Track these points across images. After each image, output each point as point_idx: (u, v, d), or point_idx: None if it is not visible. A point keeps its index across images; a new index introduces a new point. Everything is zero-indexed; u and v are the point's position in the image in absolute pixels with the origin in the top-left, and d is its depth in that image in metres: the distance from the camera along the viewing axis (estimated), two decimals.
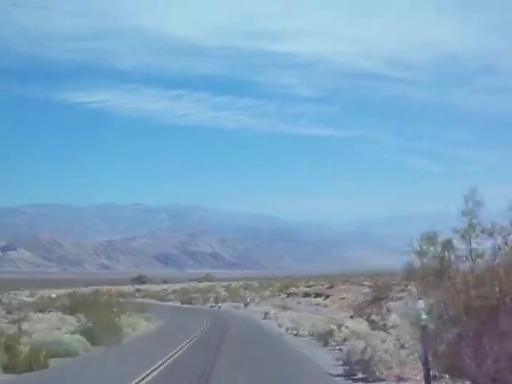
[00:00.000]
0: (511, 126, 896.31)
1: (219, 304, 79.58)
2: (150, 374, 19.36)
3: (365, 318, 29.51)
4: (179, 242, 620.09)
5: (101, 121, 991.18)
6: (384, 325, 26.30)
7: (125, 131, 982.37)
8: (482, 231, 12.71)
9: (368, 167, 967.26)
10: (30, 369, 20.75)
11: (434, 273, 13.58)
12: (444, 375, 13.90)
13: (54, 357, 23.36)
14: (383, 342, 18.31)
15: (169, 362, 22.53)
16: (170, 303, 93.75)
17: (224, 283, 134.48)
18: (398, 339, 18.07)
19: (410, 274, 14.61)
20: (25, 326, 32.29)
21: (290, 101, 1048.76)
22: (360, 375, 17.60)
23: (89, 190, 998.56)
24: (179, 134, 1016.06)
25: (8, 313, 49.63)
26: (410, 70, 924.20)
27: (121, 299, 72.50)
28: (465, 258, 13.01)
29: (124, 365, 22.91)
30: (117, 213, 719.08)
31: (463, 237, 12.98)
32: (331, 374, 18.62)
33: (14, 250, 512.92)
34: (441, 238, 13.76)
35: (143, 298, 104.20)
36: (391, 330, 24.98)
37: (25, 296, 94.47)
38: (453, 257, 13.35)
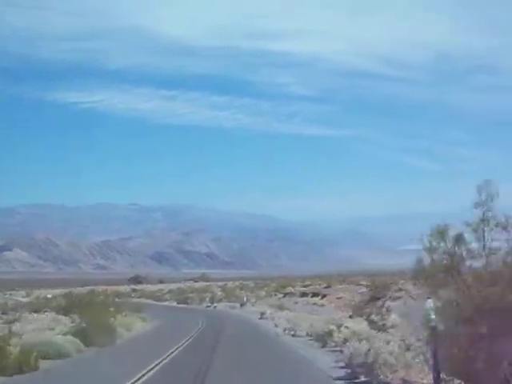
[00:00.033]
0: (509, 124, 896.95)
1: (215, 304, 79.15)
2: (144, 374, 18.76)
3: (364, 317, 28.77)
4: (174, 241, 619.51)
5: (95, 120, 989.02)
6: (383, 325, 25.61)
7: (119, 131, 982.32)
8: (497, 225, 11.97)
9: (364, 166, 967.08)
10: (21, 371, 20.04)
11: (444, 270, 12.85)
12: (454, 379, 13.12)
13: (45, 358, 22.68)
14: (387, 343, 17.55)
15: (163, 363, 21.85)
16: (166, 303, 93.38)
17: (220, 283, 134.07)
18: (403, 340, 17.21)
19: (419, 272, 13.83)
20: (16, 326, 31.61)
21: (285, 100, 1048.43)
22: (363, 378, 16.91)
23: (83, 190, 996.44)
24: (174, 134, 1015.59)
25: (3, 313, 49.07)
26: (407, 69, 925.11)
27: (117, 299, 72.11)
28: (477, 254, 12.29)
29: (117, 366, 22.24)
30: (111, 212, 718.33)
31: (475, 231, 12.23)
32: (332, 377, 17.88)
33: (10, 250, 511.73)
34: (452, 232, 12.96)
35: (139, 298, 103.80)
36: (391, 330, 24.43)
37: (20, 296, 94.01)
38: (465, 252, 12.59)
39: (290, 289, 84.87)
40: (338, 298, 59.04)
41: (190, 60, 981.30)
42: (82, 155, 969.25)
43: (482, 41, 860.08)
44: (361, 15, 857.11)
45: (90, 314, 32.13)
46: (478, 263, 12.44)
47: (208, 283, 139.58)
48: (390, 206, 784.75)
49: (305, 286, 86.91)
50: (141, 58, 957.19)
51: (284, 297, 76.25)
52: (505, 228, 11.91)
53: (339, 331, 25.88)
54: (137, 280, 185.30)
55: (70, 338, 26.19)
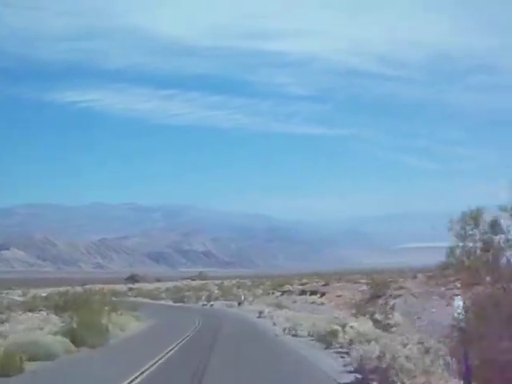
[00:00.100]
0: (505, 123, 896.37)
1: (212, 302, 78.23)
2: (137, 377, 17.82)
3: (368, 316, 27.29)
4: (173, 241, 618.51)
5: (93, 121, 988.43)
6: (388, 324, 24.47)
7: (117, 131, 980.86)
8: None
9: (362, 166, 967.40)
10: (4, 373, 18.88)
11: (479, 262, 11.46)
12: None
13: (32, 360, 21.63)
14: (404, 345, 15.77)
15: (157, 365, 20.81)
16: (163, 302, 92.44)
17: (217, 281, 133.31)
18: (422, 342, 15.60)
19: (448, 265, 12.44)
20: (5, 327, 30.61)
21: (284, 99, 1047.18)
22: None
23: (80, 189, 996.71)
24: (171, 134, 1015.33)
25: None
26: (406, 68, 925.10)
27: (113, 298, 71.50)
28: None
29: (108, 368, 21.15)
30: (109, 212, 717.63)
31: None
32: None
33: (8, 249, 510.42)
34: (486, 218, 11.53)
35: (136, 296, 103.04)
36: (394, 329, 23.56)
37: (17, 295, 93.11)
38: (502, 241, 11.21)
39: (287, 287, 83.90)
40: (338, 296, 58.10)
41: (188, 60, 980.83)
42: (80, 155, 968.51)
43: (482, 41, 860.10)
44: (360, 15, 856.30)
45: (83, 314, 31.11)
46: None
47: (205, 282, 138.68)
48: (388, 205, 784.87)
49: (302, 284, 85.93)
50: (139, 58, 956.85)
51: (282, 295, 75.32)
52: None
53: (344, 331, 24.48)
54: (134, 279, 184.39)
55: (59, 338, 25.16)
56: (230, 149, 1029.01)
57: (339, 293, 61.82)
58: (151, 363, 20.66)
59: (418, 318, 29.88)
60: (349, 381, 16.50)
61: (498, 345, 10.44)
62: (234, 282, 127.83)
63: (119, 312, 44.32)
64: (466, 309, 11.14)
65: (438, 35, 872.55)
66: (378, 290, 46.94)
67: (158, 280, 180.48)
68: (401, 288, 48.25)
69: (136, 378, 17.65)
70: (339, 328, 25.17)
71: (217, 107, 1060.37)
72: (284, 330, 33.82)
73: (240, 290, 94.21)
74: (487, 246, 11.41)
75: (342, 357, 20.99)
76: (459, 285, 37.88)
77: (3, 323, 33.90)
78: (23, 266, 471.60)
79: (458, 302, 11.42)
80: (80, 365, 22.53)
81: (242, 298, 74.17)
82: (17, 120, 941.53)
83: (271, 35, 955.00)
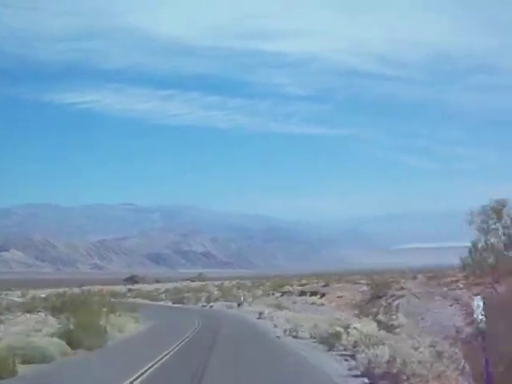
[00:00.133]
0: (505, 123, 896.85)
1: (211, 303, 77.75)
2: (132, 382, 17.20)
3: (371, 317, 26.50)
4: (172, 241, 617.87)
5: (91, 121, 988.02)
6: (392, 325, 23.81)
7: (116, 131, 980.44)
8: None
9: (362, 166, 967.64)
10: None
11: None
12: None
13: (26, 363, 21.07)
14: (415, 349, 14.80)
15: (154, 368, 20.17)
16: (162, 303, 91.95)
17: (216, 282, 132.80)
18: (433, 345, 14.65)
19: (469, 264, 11.67)
20: (0, 328, 30.02)
21: (282, 100, 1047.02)
22: None
23: (79, 190, 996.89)
24: (171, 134, 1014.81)
25: None
26: (405, 68, 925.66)
27: (112, 299, 71.17)
28: None
29: (104, 370, 20.49)
30: (107, 213, 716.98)
31: None
32: None
33: (7, 250, 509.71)
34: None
35: (135, 297, 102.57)
36: (398, 330, 22.98)
37: (16, 296, 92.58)
38: None
39: (287, 288, 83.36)
40: (338, 297, 57.58)
41: (187, 60, 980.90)
42: (79, 156, 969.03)
43: (482, 41, 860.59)
44: (359, 15, 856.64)
45: (80, 315, 30.57)
46: None
47: (204, 283, 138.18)
48: (388, 205, 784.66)
49: (301, 285, 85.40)
50: (138, 59, 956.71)
51: (282, 296, 74.80)
52: None
53: (347, 333, 23.59)
54: (133, 280, 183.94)
55: (55, 340, 24.60)
56: (228, 149, 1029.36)
57: (339, 293, 61.31)
58: (149, 365, 20.09)
59: (422, 318, 29.35)
60: None
61: None
62: (233, 282, 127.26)
63: (118, 313, 43.80)
64: (486, 310, 10.34)
65: (437, 35, 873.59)
66: (378, 291, 46.39)
67: (158, 281, 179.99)
68: (402, 289, 47.72)
69: (132, 382, 17.08)
70: (342, 329, 24.38)
71: (216, 107, 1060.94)
72: (285, 331, 33.06)
73: (240, 290, 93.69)
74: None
75: (347, 360, 20.14)
76: (461, 285, 37.18)
77: None
78: (22, 267, 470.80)
79: (478, 303, 10.58)
80: (75, 368, 21.87)
81: (242, 298, 73.68)
82: (16, 120, 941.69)
83: (270, 35, 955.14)
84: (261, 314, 49.55)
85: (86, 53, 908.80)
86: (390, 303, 32.84)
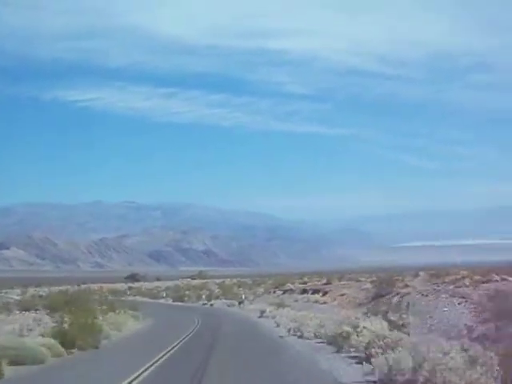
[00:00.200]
0: (504, 122, 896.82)
1: (212, 302, 76.86)
2: None
3: (381, 316, 24.93)
4: (172, 239, 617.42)
5: (92, 119, 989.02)
6: (402, 324, 22.50)
7: (117, 129, 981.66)
8: None
9: (362, 165, 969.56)
10: None
11: None
12: None
13: (16, 364, 19.98)
14: (445, 353, 12.84)
15: (151, 369, 19.07)
16: (162, 301, 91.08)
17: (217, 280, 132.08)
18: (465, 349, 12.99)
19: None
20: None
21: (283, 98, 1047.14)
22: None
23: (80, 188, 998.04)
24: (172, 132, 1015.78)
25: None
26: (406, 67, 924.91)
27: (112, 297, 70.47)
28: None
29: (96, 373, 19.31)
30: (108, 211, 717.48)
31: None
32: None
33: (8, 248, 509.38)
34: None
35: (135, 295, 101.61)
36: (405, 330, 21.93)
37: (15, 295, 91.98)
38: None
39: (289, 286, 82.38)
40: (341, 295, 56.56)
41: (188, 59, 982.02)
42: (80, 153, 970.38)
43: (482, 40, 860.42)
44: (360, 14, 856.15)
45: (75, 314, 29.48)
46: None
47: (205, 281, 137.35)
48: (387, 204, 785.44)
49: (303, 283, 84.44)
50: (139, 57, 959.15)
51: (283, 294, 73.85)
52: None
53: (357, 333, 21.78)
54: (134, 278, 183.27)
55: (48, 340, 23.56)
56: (230, 147, 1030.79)
57: (342, 291, 60.30)
58: (145, 367, 19.08)
59: (430, 317, 28.32)
60: None
61: None
62: (234, 281, 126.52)
63: (117, 311, 42.92)
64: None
65: (437, 35, 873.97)
66: (382, 289, 45.44)
67: (158, 279, 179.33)
68: (406, 286, 46.72)
69: None
70: (350, 329, 22.71)
71: (217, 105, 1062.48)
72: (288, 330, 31.81)
73: (240, 289, 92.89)
74: None
75: (360, 363, 18.22)
76: (467, 282, 36.06)
77: None
78: (23, 265, 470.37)
79: None
80: (66, 370, 20.62)
81: (243, 296, 72.81)
82: (16, 119, 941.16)
83: (271, 34, 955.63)
84: (262, 312, 48.71)
85: (87, 52, 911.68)
86: (399, 301, 31.67)
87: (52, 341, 23.55)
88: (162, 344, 26.95)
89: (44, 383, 18.32)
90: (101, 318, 34.06)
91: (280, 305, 53.82)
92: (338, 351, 22.41)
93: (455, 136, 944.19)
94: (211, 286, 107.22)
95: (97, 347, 26.72)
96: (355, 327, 22.53)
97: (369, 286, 52.21)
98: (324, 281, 78.49)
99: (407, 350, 14.27)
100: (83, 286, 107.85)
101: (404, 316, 24.36)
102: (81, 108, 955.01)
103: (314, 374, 17.98)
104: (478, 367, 12.01)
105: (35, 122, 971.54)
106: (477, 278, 38.49)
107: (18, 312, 50.45)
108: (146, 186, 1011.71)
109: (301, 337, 29.25)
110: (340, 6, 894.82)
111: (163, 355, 22.98)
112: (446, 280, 42.01)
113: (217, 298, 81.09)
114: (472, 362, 12.43)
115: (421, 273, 55.16)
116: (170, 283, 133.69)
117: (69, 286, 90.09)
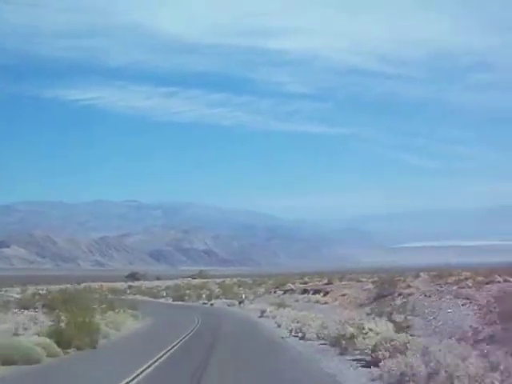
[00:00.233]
0: (505, 121, 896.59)
1: (212, 301, 76.42)
2: None
3: (385, 317, 24.10)
4: (173, 238, 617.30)
5: (93, 118, 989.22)
6: (407, 326, 21.82)
7: (118, 128, 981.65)
8: None
9: (363, 164, 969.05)
10: None
11: None
12: None
13: (8, 364, 19.42)
14: (463, 359, 11.89)
15: (148, 370, 18.47)
16: (162, 300, 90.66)
17: (217, 280, 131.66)
18: (485, 355, 12.16)
19: None
20: None
21: (284, 98, 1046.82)
22: None
23: (81, 187, 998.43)
24: (173, 131, 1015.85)
25: None
26: (405, 66, 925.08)
27: (111, 296, 70.10)
28: None
29: (91, 374, 18.71)
30: (109, 210, 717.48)
31: None
32: None
33: (8, 247, 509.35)
34: None
35: (135, 294, 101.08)
36: (409, 331, 21.39)
37: (15, 293, 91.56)
38: None
39: (289, 286, 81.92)
40: (342, 296, 56.06)
41: (189, 58, 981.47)
42: (81, 152, 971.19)
43: (482, 39, 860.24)
44: (360, 13, 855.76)
45: (73, 312, 28.93)
46: None
47: (205, 280, 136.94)
48: (388, 204, 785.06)
49: (304, 283, 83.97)
50: (140, 56, 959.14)
51: (284, 294, 73.39)
52: None
53: (363, 335, 20.84)
54: (134, 277, 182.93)
55: (43, 339, 23.02)
56: (230, 146, 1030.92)
57: (343, 292, 59.81)
58: (143, 368, 18.51)
59: (434, 318, 27.78)
60: None
61: None
62: (234, 280, 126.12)
63: (116, 310, 42.45)
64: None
65: (438, 34, 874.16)
66: (384, 289, 44.94)
67: (158, 278, 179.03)
68: (408, 287, 46.21)
69: None
70: (354, 330, 21.78)
71: (217, 105, 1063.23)
72: (290, 331, 31.15)
73: (241, 288, 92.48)
74: None
75: (365, 366, 17.40)
76: (470, 283, 35.52)
77: None
78: (23, 264, 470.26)
79: None
80: (60, 370, 20.01)
81: (243, 296, 72.42)
82: (17, 117, 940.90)
83: (272, 33, 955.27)
84: (263, 312, 48.30)
85: (88, 50, 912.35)
86: (404, 302, 31.07)
87: (48, 340, 22.99)
88: (161, 343, 26.52)
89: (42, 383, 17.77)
90: (99, 317, 33.54)
91: (280, 305, 53.36)
92: (342, 353, 21.57)
93: (456, 135, 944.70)
94: (211, 285, 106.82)
95: (94, 347, 26.15)
96: (360, 328, 21.66)
97: (370, 286, 51.69)
98: (325, 281, 78.03)
99: (418, 353, 13.51)
100: (83, 285, 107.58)
101: (409, 317, 23.65)
102: (81, 107, 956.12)
103: (318, 378, 17.34)
104: (496, 374, 11.23)
105: (36, 121, 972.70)
106: (479, 279, 38.08)
107: (16, 310, 49.89)
108: (147, 186, 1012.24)
109: (303, 338, 28.50)
110: (340, 5, 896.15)
111: (163, 355, 22.50)
112: (449, 281, 41.54)
113: (217, 297, 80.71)
114: (493, 368, 11.64)
115: (421, 273, 54.73)
116: (170, 282, 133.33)
117: (69, 285, 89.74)
